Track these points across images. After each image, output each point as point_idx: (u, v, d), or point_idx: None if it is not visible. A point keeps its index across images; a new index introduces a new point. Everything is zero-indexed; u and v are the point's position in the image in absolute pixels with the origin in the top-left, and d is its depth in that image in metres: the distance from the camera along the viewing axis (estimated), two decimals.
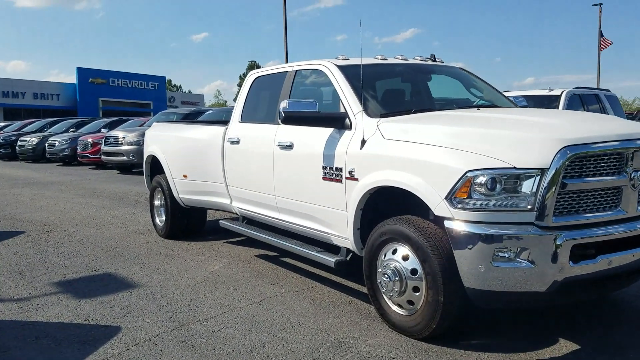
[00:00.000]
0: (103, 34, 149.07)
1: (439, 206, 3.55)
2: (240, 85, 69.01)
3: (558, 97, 10.05)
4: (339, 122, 4.49)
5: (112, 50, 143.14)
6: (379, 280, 4.05)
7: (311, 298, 4.79)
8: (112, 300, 4.85)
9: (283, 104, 4.51)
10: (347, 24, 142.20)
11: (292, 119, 4.50)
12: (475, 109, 4.78)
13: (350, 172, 4.25)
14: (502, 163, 3.38)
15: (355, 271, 4.87)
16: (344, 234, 4.47)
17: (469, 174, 3.42)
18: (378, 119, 4.28)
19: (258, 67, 30.71)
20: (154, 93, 58.03)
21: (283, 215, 5.27)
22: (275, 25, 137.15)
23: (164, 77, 61.72)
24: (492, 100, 5.22)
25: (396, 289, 3.87)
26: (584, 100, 10.45)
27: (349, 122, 4.45)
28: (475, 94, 5.38)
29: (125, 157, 16.83)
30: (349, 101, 4.54)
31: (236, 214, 6.24)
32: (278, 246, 5.37)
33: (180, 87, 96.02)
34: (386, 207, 4.27)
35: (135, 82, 56.71)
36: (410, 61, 5.47)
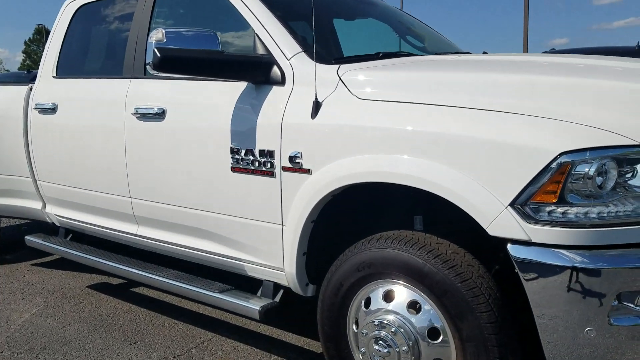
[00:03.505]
0: None
1: (498, 220, 1.92)
2: (26, 52, 59.73)
3: None
4: (260, 71, 2.60)
5: None
6: (362, 351, 2.32)
7: None
8: None
9: (157, 36, 2.47)
10: None
11: (174, 62, 2.47)
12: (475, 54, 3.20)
13: (292, 159, 2.42)
14: (622, 138, 1.85)
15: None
16: (274, 261, 2.63)
17: (564, 159, 1.83)
18: (337, 67, 2.49)
19: (47, 31, 25.74)
20: None
21: (146, 230, 3.23)
22: None
23: None
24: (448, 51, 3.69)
25: None
26: None
27: (279, 73, 2.58)
28: (415, 45, 3.81)
29: None
30: (275, 37, 2.66)
31: (54, 224, 3.98)
32: (147, 283, 3.33)
33: None
34: (350, 218, 2.58)
35: None
36: None
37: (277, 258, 2.61)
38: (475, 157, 1.97)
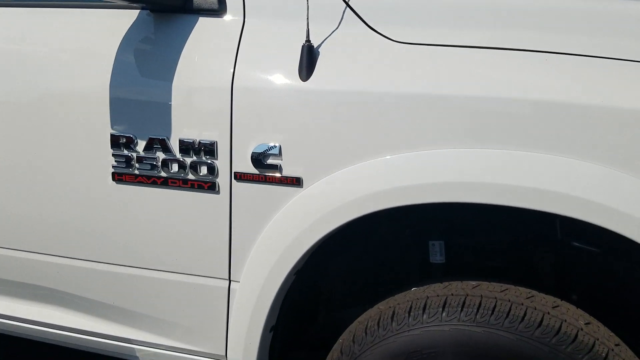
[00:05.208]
0: None
1: None
2: None
3: None
4: None
5: None
6: None
7: None
8: None
9: None
10: None
11: None
12: None
13: (260, 160, 1.23)
14: None
15: None
16: (204, 344, 1.43)
17: None
18: None
19: None
20: None
21: None
22: None
23: None
24: None
25: None
26: None
27: None
28: None
29: None
30: None
31: None
32: None
33: None
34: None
35: None
36: None
37: (212, 338, 1.42)
38: None
